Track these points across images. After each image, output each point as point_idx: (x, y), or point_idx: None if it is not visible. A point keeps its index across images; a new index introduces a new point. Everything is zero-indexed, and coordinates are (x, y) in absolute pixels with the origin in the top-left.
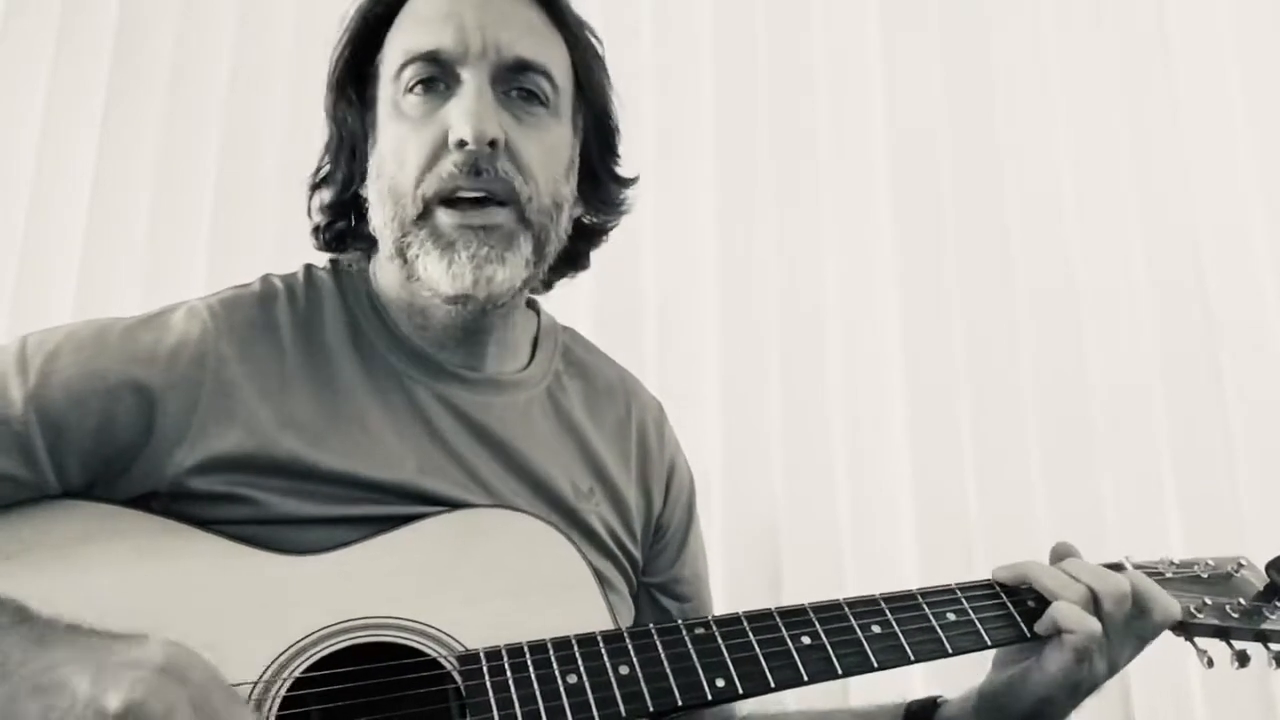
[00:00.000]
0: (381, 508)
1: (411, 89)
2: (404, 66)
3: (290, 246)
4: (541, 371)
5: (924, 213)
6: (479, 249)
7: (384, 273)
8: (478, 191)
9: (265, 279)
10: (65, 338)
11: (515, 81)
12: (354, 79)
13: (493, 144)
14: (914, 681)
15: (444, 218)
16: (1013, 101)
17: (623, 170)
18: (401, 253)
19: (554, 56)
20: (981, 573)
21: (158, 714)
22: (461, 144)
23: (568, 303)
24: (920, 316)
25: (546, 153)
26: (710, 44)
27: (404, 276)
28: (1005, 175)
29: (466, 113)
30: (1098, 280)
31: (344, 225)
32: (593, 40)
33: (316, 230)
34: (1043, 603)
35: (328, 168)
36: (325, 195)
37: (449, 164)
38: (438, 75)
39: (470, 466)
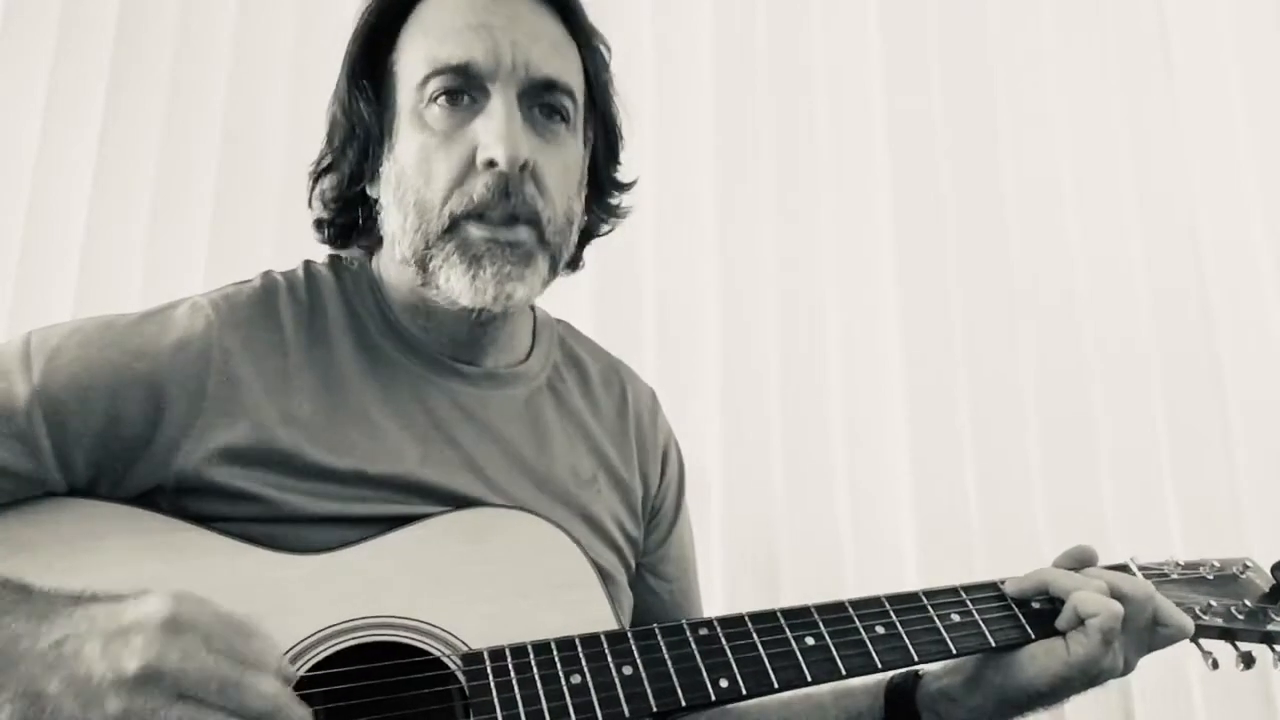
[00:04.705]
0: (387, 506)
1: (435, 99)
2: (430, 77)
3: (290, 246)
4: (540, 364)
5: (924, 212)
6: (503, 265)
7: (391, 272)
8: (506, 212)
9: (266, 274)
10: (70, 333)
11: (541, 99)
12: (369, 74)
13: (523, 167)
14: None
15: (474, 231)
16: (1012, 101)
17: (622, 176)
18: (423, 263)
19: (574, 71)
20: (981, 572)
21: (176, 664)
22: (492, 164)
23: (568, 301)
24: (920, 316)
25: (564, 172)
26: (710, 44)
27: (419, 282)
28: (1005, 175)
29: (499, 135)
30: (1097, 279)
31: (348, 221)
32: (603, 49)
33: (320, 224)
34: (1048, 604)
35: (330, 158)
36: (328, 187)
37: (480, 185)
38: (464, 88)
39: (471, 458)
